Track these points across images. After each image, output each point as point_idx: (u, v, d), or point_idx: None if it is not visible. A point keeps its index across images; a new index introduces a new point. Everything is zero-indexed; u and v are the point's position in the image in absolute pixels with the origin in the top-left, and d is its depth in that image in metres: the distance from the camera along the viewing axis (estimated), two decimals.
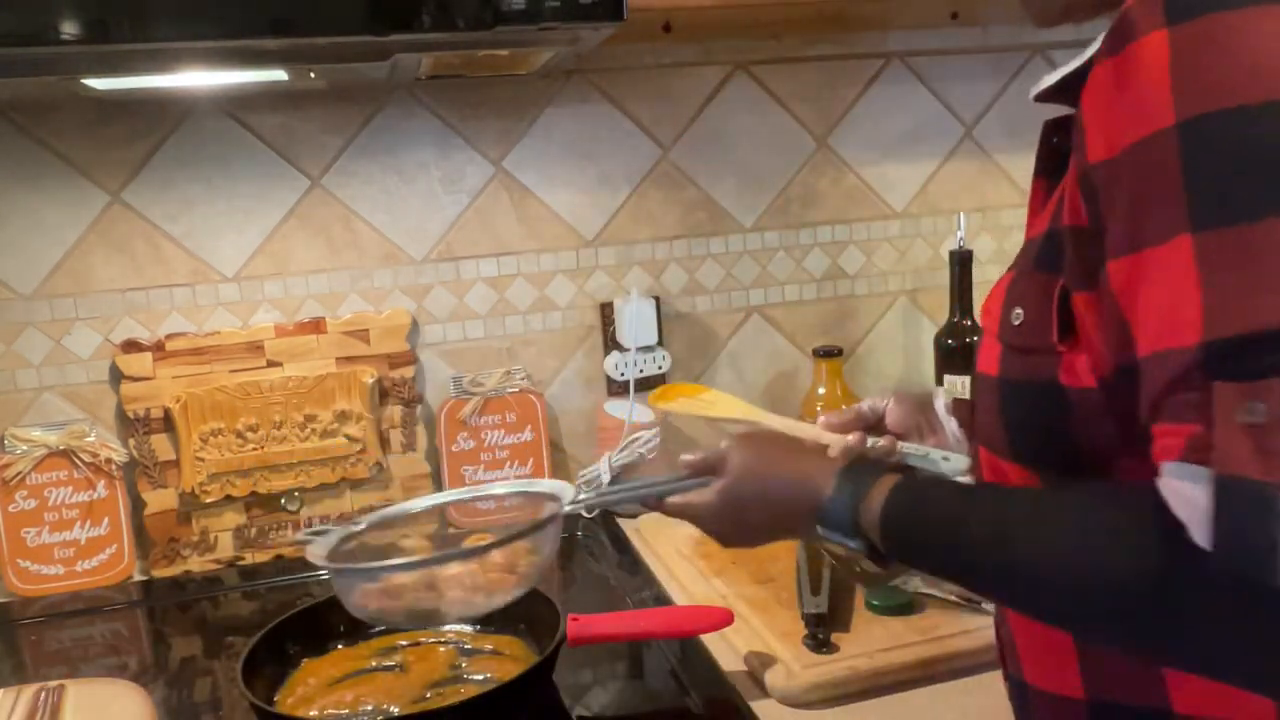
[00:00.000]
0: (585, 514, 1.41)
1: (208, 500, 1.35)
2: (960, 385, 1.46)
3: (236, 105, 1.35)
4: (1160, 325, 0.49)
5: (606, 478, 1.39)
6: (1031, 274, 0.63)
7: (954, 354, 1.48)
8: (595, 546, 1.37)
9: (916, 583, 1.09)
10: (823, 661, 0.96)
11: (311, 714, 0.93)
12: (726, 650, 1.02)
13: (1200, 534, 0.47)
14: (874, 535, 0.71)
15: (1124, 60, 0.51)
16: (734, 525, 0.84)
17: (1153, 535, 0.50)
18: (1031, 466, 0.64)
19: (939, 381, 1.51)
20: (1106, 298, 0.54)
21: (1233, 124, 0.47)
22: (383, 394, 1.42)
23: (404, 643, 1.04)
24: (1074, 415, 0.59)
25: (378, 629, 1.08)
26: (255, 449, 1.35)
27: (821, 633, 1.00)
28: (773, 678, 0.95)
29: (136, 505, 1.36)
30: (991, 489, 0.67)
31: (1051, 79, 0.62)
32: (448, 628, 1.07)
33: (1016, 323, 0.63)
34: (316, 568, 0.87)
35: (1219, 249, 0.47)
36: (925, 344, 1.63)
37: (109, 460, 1.33)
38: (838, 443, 0.86)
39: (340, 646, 1.06)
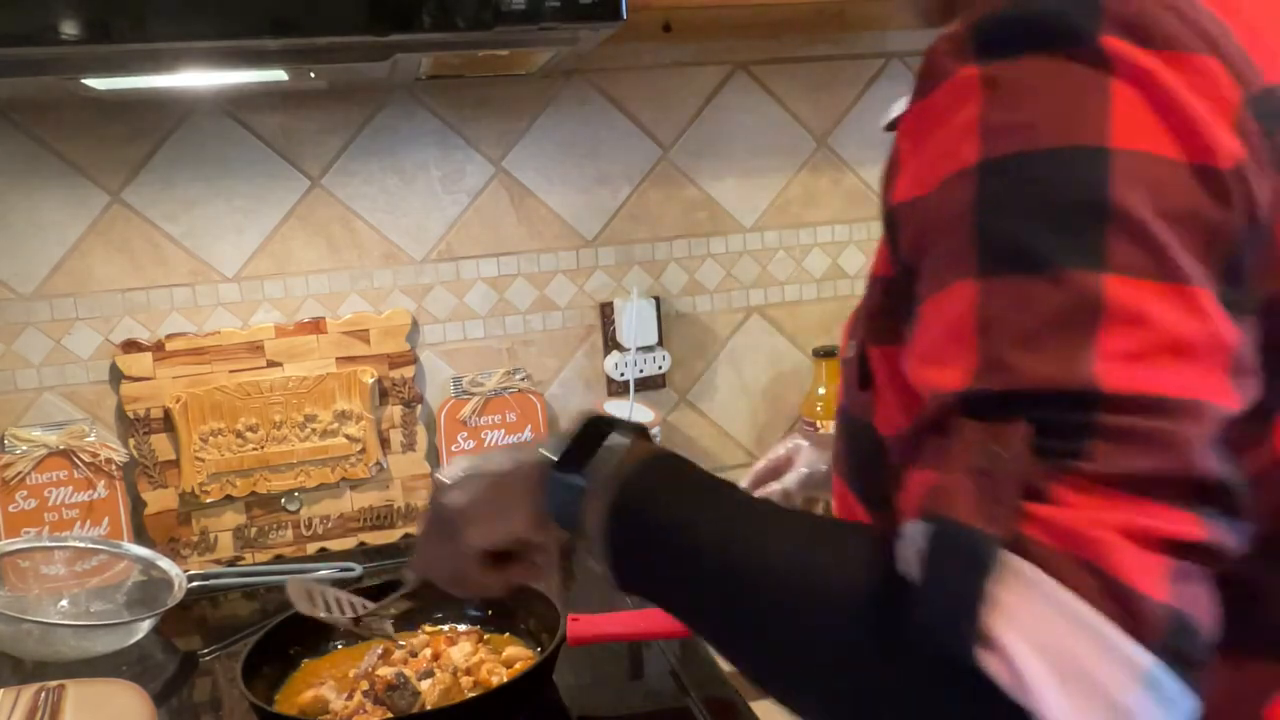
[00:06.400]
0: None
1: (208, 500, 1.35)
2: None
3: (236, 105, 1.35)
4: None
5: None
6: (860, 310, 0.59)
7: None
8: None
9: None
10: None
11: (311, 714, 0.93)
12: None
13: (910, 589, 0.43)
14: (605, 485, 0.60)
15: (934, 100, 0.49)
16: (448, 515, 0.70)
17: (871, 579, 0.45)
18: (863, 500, 0.60)
19: None
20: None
21: (1028, 168, 0.44)
22: (383, 394, 1.42)
23: (403, 644, 1.04)
24: (887, 459, 0.54)
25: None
26: (255, 449, 1.35)
27: None
28: None
29: (136, 505, 1.36)
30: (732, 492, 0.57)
31: (897, 109, 0.57)
32: (446, 627, 1.07)
33: (850, 354, 0.60)
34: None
35: (998, 297, 0.44)
36: None
37: (109, 460, 1.33)
38: None
39: (340, 646, 1.06)
